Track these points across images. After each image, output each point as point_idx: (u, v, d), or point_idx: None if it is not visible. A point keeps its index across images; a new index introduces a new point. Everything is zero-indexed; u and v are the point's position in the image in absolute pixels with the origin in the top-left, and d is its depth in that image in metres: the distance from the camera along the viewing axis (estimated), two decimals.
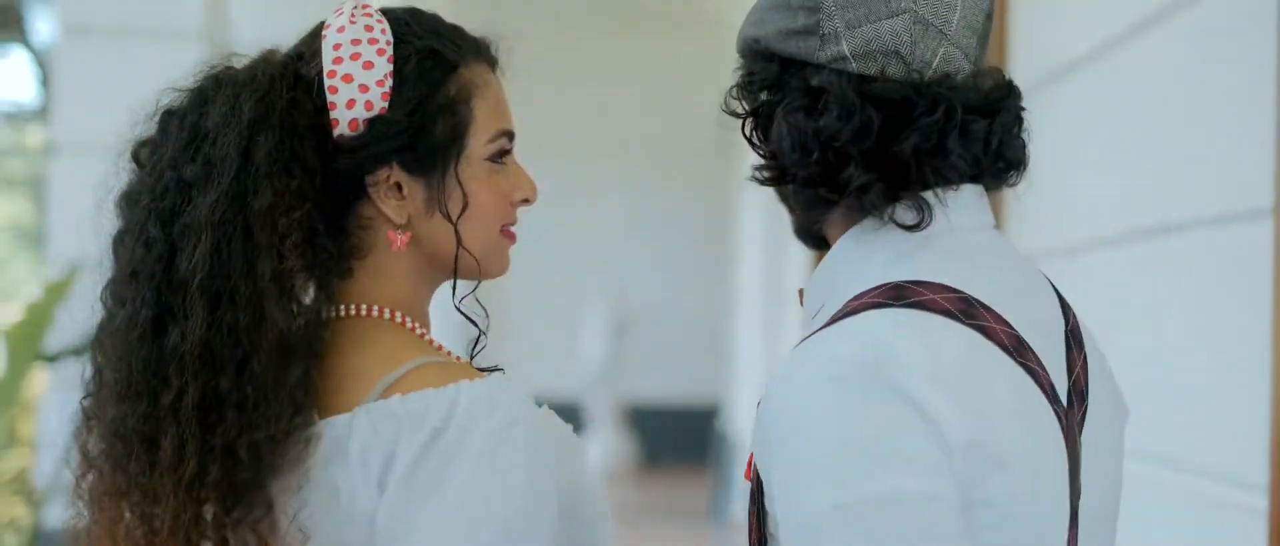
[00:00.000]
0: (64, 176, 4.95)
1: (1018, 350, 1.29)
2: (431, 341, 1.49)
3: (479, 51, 1.51)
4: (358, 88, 1.44)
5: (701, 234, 11.83)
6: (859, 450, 1.22)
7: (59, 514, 4.53)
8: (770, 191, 1.45)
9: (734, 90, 1.41)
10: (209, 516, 1.39)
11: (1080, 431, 1.34)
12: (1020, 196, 1.47)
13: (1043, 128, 1.84)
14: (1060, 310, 1.40)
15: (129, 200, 1.45)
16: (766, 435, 1.28)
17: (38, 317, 3.95)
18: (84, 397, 1.46)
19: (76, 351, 4.08)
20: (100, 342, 1.44)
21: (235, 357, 1.38)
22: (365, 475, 1.36)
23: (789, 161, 1.36)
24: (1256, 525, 1.97)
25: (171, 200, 1.41)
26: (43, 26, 11.45)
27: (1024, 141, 1.39)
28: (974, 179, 1.37)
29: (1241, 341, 2.03)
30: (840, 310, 1.33)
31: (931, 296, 1.29)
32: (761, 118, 1.40)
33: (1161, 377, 2.26)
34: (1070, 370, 1.35)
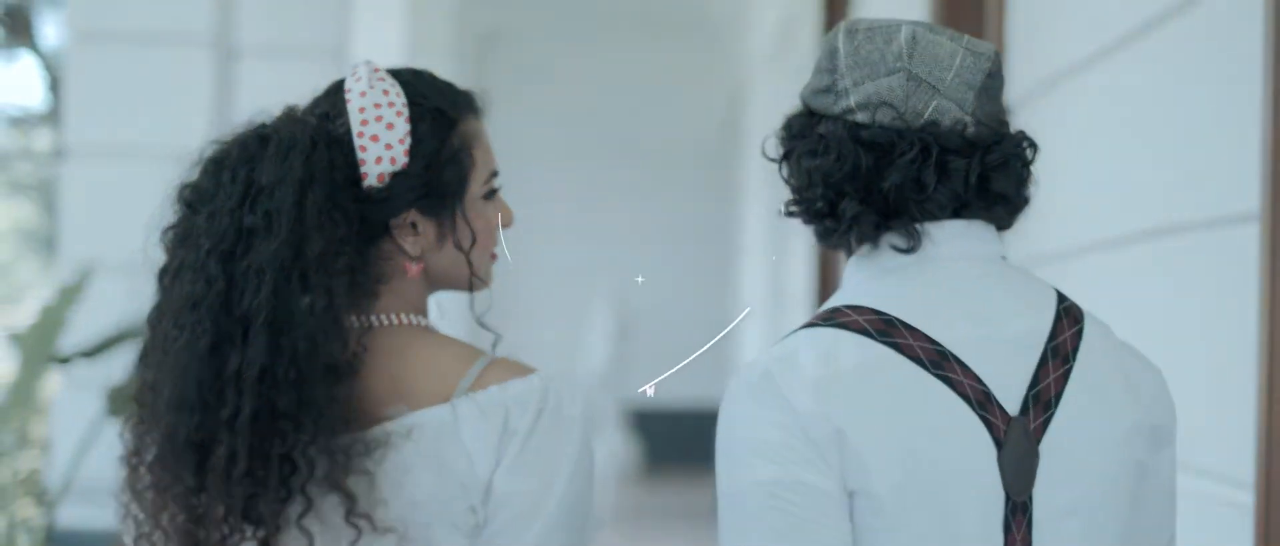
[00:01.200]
0: (74, 180, 4.97)
1: (936, 363, 1.47)
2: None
3: (471, 104, 1.76)
4: (383, 146, 1.68)
5: (705, 238, 11.84)
6: (745, 444, 1.47)
7: (70, 514, 4.57)
8: (773, 196, 1.63)
9: (774, 137, 1.63)
10: (256, 514, 1.61)
11: (1040, 436, 1.48)
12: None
13: (1034, 134, 1.87)
14: (1050, 326, 1.53)
15: (182, 239, 1.67)
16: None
17: (50, 320, 3.96)
18: (137, 406, 1.67)
19: (88, 353, 4.11)
20: (155, 360, 1.65)
21: (291, 379, 1.61)
22: (481, 447, 1.64)
23: (802, 196, 1.58)
24: (1244, 521, 2.01)
25: (231, 244, 1.63)
26: (51, 32, 11.50)
27: (1020, 178, 1.56)
28: (959, 211, 1.55)
29: (1230, 342, 2.07)
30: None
31: (854, 317, 1.51)
32: (788, 160, 1.60)
33: None
34: (1037, 381, 1.50)
